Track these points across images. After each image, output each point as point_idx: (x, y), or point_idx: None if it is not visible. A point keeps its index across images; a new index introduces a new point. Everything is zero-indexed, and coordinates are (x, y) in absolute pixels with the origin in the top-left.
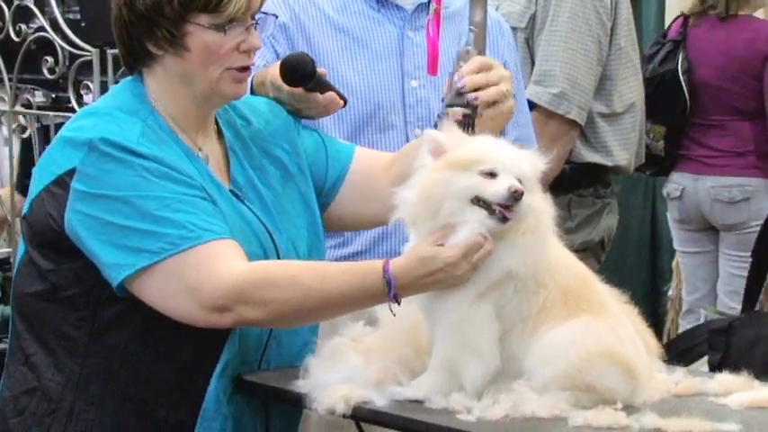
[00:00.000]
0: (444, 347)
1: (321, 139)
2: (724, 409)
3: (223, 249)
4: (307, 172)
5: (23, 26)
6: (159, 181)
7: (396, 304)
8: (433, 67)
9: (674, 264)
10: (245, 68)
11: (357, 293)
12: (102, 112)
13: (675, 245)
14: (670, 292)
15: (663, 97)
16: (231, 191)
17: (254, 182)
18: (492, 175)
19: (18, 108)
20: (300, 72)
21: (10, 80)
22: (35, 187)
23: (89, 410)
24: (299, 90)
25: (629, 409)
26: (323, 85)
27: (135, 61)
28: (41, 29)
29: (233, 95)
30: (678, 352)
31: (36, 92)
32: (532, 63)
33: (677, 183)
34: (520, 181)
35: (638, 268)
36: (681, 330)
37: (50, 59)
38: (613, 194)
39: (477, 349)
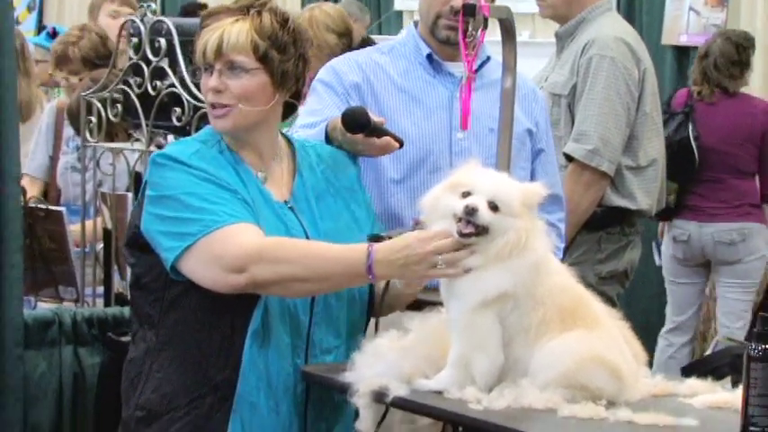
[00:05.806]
0: (458, 347)
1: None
2: (688, 407)
3: (243, 228)
4: (363, 205)
5: (158, 82)
6: (200, 182)
7: (370, 276)
8: (464, 123)
9: None
10: (213, 106)
11: (346, 261)
12: (183, 141)
13: (666, 275)
14: None
15: (678, 160)
16: (285, 201)
17: (309, 198)
18: (468, 195)
19: (152, 148)
20: (356, 122)
21: (147, 125)
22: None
23: (159, 371)
24: (360, 135)
25: (611, 404)
26: (380, 131)
27: None
28: (172, 85)
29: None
30: (704, 372)
31: (168, 135)
32: (573, 124)
33: (682, 228)
34: (495, 204)
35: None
36: (663, 340)
37: (178, 110)
38: (637, 233)
39: (484, 348)
